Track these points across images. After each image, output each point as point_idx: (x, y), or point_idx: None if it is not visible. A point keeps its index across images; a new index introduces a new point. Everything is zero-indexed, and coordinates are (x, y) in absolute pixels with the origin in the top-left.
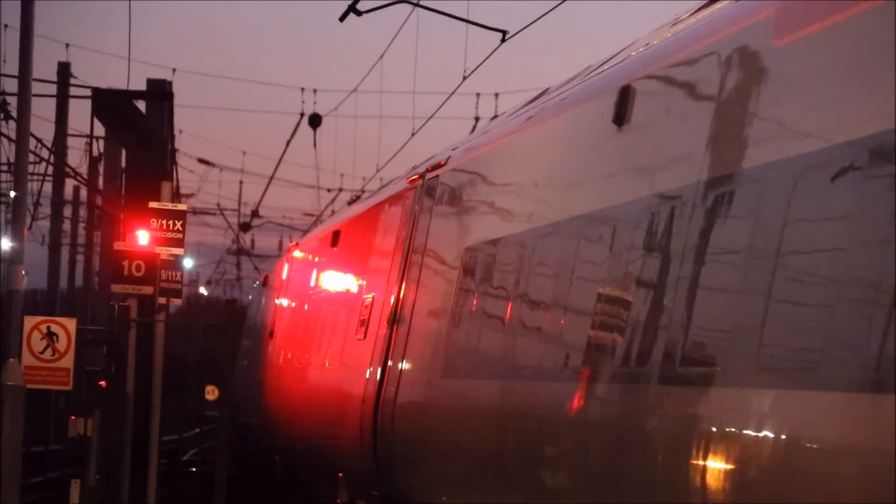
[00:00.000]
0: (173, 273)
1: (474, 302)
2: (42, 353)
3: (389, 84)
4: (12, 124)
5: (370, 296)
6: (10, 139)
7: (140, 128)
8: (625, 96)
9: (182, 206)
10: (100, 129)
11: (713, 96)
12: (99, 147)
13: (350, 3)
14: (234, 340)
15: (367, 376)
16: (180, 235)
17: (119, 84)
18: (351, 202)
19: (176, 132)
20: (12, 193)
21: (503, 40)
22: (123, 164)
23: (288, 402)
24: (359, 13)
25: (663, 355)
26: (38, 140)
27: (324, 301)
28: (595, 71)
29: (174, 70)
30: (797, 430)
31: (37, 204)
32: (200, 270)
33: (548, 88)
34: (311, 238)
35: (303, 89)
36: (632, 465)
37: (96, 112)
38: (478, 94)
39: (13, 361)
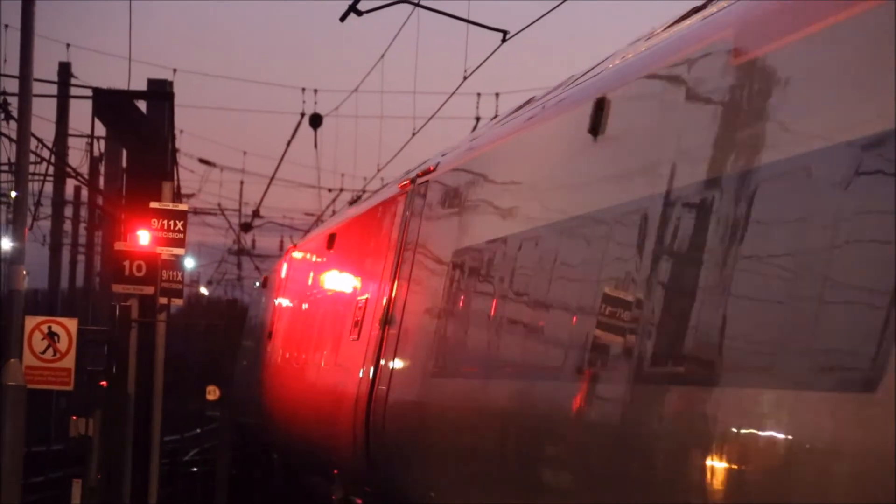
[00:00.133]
0: (174, 273)
1: (460, 303)
2: (43, 353)
3: (390, 84)
4: (13, 124)
5: (364, 297)
6: (10, 139)
7: (141, 128)
8: (599, 108)
9: (183, 207)
10: (101, 130)
11: (677, 110)
12: (100, 147)
13: (350, 2)
14: (234, 341)
15: (360, 376)
16: (181, 235)
17: (120, 84)
18: (352, 202)
19: (177, 132)
20: (13, 193)
21: (504, 40)
22: (124, 164)
23: (286, 402)
24: (359, 13)
25: (635, 355)
26: (39, 140)
27: (320, 302)
28: (575, 82)
29: (175, 70)
30: (746, 426)
31: (38, 204)
32: (201, 270)
33: (533, 97)
34: (309, 240)
35: (303, 89)
36: (608, 462)
37: (97, 112)
38: (478, 94)
39: (14, 361)
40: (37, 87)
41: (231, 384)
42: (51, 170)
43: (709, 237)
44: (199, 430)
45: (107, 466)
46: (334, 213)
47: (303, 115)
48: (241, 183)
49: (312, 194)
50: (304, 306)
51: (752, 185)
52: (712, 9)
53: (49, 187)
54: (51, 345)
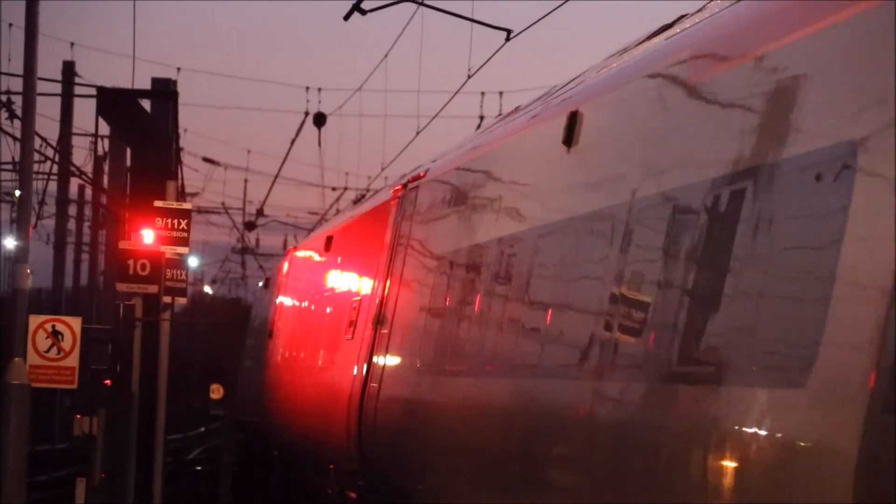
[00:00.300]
0: (178, 272)
1: (445, 304)
2: (47, 351)
3: (394, 83)
4: (17, 123)
5: (358, 298)
6: (15, 138)
7: (145, 127)
8: (573, 121)
9: (187, 205)
10: (105, 128)
11: (642, 124)
12: (104, 146)
13: (354, 2)
14: (238, 339)
15: (354, 374)
16: (185, 234)
17: (124, 83)
18: (355, 201)
19: (181, 131)
20: (17, 192)
21: (507, 39)
22: (128, 162)
23: (285, 399)
24: (363, 12)
25: (600, 353)
26: (44, 139)
27: (318, 302)
28: (553, 94)
29: (179, 69)
30: (687, 421)
31: (42, 203)
32: (205, 269)
33: (518, 106)
34: (308, 242)
35: (307, 88)
36: (577, 452)
37: (101, 111)
38: (482, 93)
39: (18, 360)
40: (41, 86)
41: (234, 383)
42: (55, 168)
43: (663, 243)
44: (202, 429)
45: (111, 465)
46: (338, 211)
47: (307, 113)
48: (245, 182)
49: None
50: (303, 306)
51: (701, 195)
52: (676, 29)
53: (53, 186)
54: (55, 344)
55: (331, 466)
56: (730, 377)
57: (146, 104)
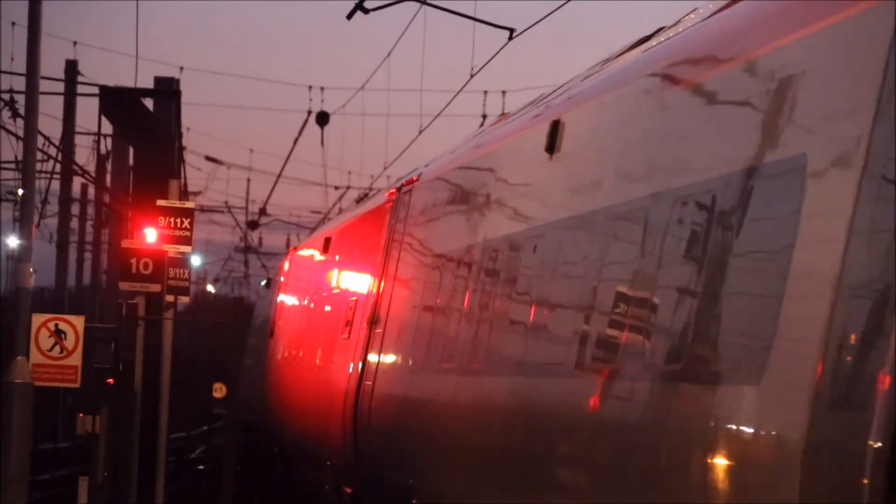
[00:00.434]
0: (181, 271)
1: (435, 304)
2: (50, 350)
3: (397, 82)
4: (20, 122)
5: (354, 298)
6: (18, 137)
7: (148, 125)
8: (555, 129)
9: (190, 204)
10: (107, 127)
11: (616, 134)
12: (106, 145)
13: (357, 1)
14: (241, 338)
15: (350, 372)
16: (188, 233)
17: (126, 82)
18: (358, 200)
19: (183, 130)
20: (20, 191)
21: (510, 38)
22: (131, 161)
23: (285, 397)
24: (366, 11)
25: (588, 351)
26: (46, 138)
27: (316, 302)
28: (539, 102)
29: (181, 68)
30: (644, 417)
31: (45, 202)
32: (208, 268)
33: (506, 114)
34: (307, 243)
35: (310, 87)
36: (566, 448)
37: (104, 110)
38: (485, 92)
39: (21, 359)
40: (44, 85)
41: (237, 382)
42: (58, 167)
43: (632, 246)
44: (205, 428)
45: (113, 464)
46: (340, 210)
47: (310, 112)
48: (248, 180)
49: (319, 192)
50: (302, 306)
51: (667, 203)
52: (653, 42)
53: (56, 185)
54: (58, 342)
55: (328, 463)
56: (685, 374)
57: (149, 103)
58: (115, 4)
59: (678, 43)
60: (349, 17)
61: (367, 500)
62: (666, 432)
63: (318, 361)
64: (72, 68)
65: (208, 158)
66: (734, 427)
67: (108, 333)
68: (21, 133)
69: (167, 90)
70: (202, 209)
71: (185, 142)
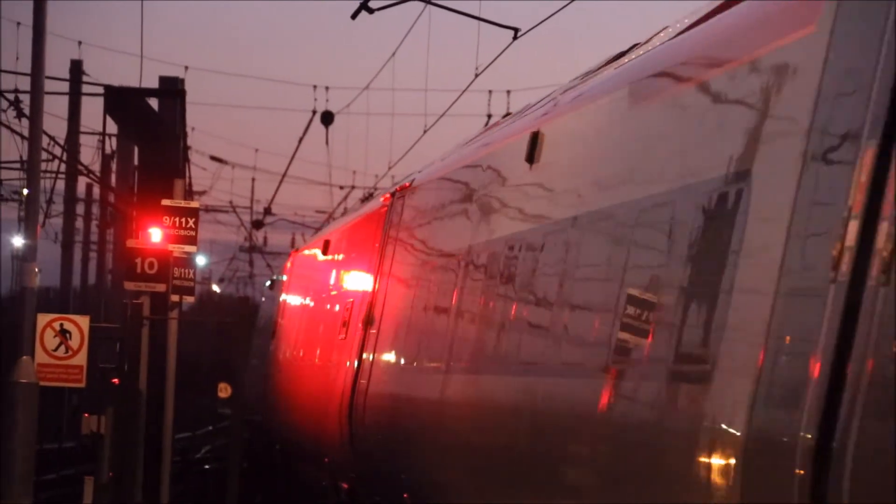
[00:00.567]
0: (186, 270)
1: (427, 305)
2: (55, 350)
3: (401, 81)
4: (25, 122)
5: (351, 299)
6: (23, 137)
7: (152, 125)
8: (534, 140)
9: (195, 204)
10: (112, 127)
11: (590, 147)
12: (111, 144)
13: (362, 0)
14: (246, 338)
15: (346, 372)
16: (193, 233)
17: (131, 82)
18: (363, 200)
19: (188, 129)
20: (25, 191)
21: (515, 37)
22: (136, 161)
23: (285, 396)
24: (371, 11)
25: (549, 353)
26: (51, 138)
27: (316, 303)
28: (525, 112)
29: (186, 67)
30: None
31: (50, 201)
32: (213, 268)
33: (496, 121)
34: (308, 245)
35: (315, 87)
36: (542, 439)
37: (109, 110)
38: (490, 91)
39: (26, 359)
40: (48, 85)
41: (242, 381)
42: (63, 167)
43: (603, 254)
44: (210, 428)
45: (118, 464)
46: (345, 210)
47: (314, 112)
48: (253, 180)
49: (324, 191)
50: (302, 307)
51: (634, 213)
52: (632, 55)
53: (61, 185)
54: (63, 342)
55: (325, 459)
56: (638, 371)
57: (154, 103)
58: (120, 4)
59: (647, 60)
60: (354, 16)
61: (362, 495)
62: (620, 429)
63: (316, 361)
64: (77, 68)
65: (213, 158)
66: (682, 423)
67: (113, 333)
68: (26, 133)
69: (172, 90)
70: (207, 209)
71: (189, 141)
